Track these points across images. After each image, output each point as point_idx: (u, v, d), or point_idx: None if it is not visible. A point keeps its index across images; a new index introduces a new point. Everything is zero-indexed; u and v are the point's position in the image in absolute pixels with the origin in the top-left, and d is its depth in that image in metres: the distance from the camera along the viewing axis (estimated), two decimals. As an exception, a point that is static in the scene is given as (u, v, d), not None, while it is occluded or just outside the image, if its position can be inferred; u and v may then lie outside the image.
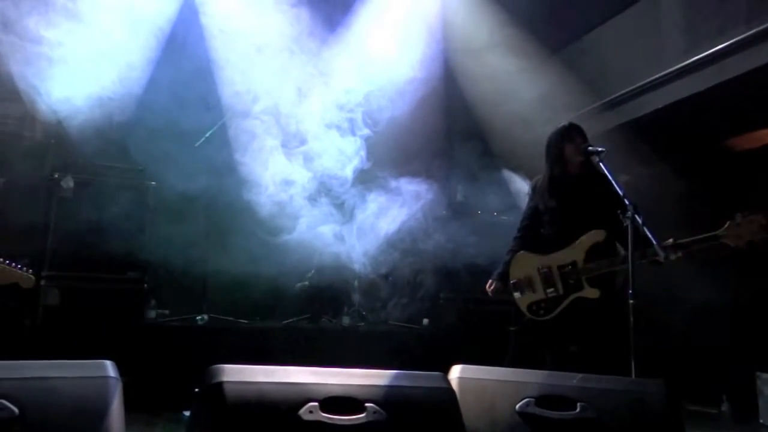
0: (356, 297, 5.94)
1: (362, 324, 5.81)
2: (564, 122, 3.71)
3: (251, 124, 5.53)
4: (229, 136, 5.78)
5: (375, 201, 5.67)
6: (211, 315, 5.31)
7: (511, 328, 5.69)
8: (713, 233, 3.14)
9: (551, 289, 3.54)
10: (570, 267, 3.49)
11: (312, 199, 5.63)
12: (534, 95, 6.40)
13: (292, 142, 5.65)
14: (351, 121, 5.71)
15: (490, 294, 3.86)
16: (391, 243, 5.70)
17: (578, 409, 2.05)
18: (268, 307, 5.83)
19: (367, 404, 1.82)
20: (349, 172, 5.62)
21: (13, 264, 3.52)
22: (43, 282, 4.85)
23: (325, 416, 1.76)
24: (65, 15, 4.83)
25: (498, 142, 6.98)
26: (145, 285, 5.16)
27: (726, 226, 3.12)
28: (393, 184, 5.73)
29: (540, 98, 6.36)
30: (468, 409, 1.98)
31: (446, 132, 7.28)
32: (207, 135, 5.62)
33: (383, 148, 5.87)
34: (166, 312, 5.46)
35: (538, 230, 3.76)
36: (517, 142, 6.64)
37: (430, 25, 6.60)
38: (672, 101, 5.68)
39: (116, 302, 5.01)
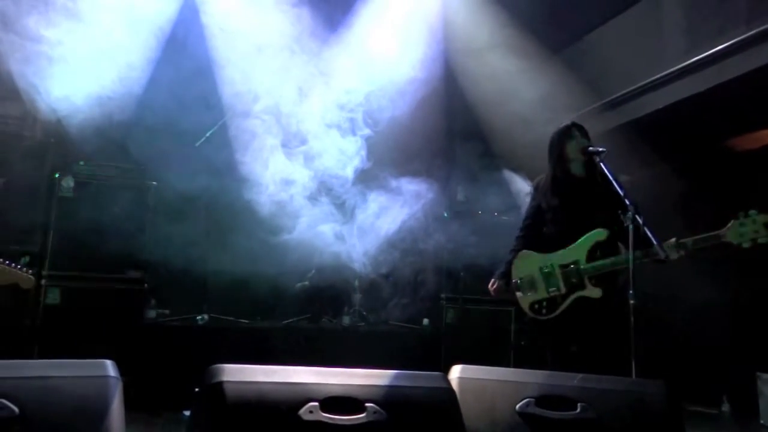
0: (356, 297, 5.94)
1: (362, 324, 5.81)
2: (566, 121, 3.72)
3: (252, 123, 5.53)
4: (229, 136, 5.78)
5: (375, 201, 5.68)
6: (212, 315, 5.31)
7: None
8: (716, 232, 3.14)
9: (553, 288, 3.54)
10: (572, 266, 3.49)
11: (312, 199, 5.63)
12: (534, 95, 6.40)
13: (293, 141, 5.64)
14: (351, 120, 5.71)
15: (492, 293, 3.86)
16: (392, 243, 5.70)
17: (578, 410, 2.05)
18: (268, 307, 5.83)
19: (367, 404, 1.82)
20: (349, 172, 5.62)
21: (13, 264, 3.51)
22: (43, 282, 4.86)
23: (326, 416, 1.76)
24: (65, 14, 4.83)
25: (498, 142, 6.99)
26: (146, 285, 5.17)
27: (729, 225, 3.12)
28: (393, 183, 5.73)
29: (540, 98, 6.36)
30: (468, 409, 1.98)
31: (447, 132, 7.28)
32: (207, 135, 5.62)
33: (384, 148, 5.87)
34: (167, 312, 5.46)
35: (541, 229, 3.76)
36: (518, 142, 6.64)
37: (430, 26, 6.60)
38: (672, 101, 5.68)
39: (116, 302, 5.02)
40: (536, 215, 3.79)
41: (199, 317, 5.26)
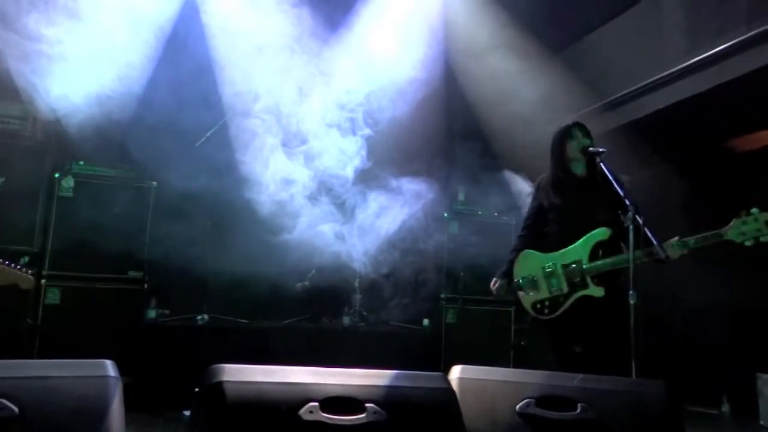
0: (357, 297, 5.94)
1: (362, 324, 5.80)
2: (568, 121, 3.72)
3: (252, 123, 5.53)
4: (229, 135, 5.78)
5: (376, 200, 5.68)
6: (212, 315, 5.31)
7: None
8: (718, 230, 3.15)
9: (555, 288, 3.54)
10: (574, 265, 3.49)
11: (313, 199, 5.63)
12: (535, 96, 6.40)
13: (293, 141, 5.64)
14: (352, 120, 5.71)
15: (494, 292, 3.86)
16: (392, 243, 5.71)
17: (579, 410, 2.05)
18: (268, 307, 5.83)
19: (367, 404, 1.82)
20: (349, 172, 5.62)
21: (13, 264, 3.51)
22: (43, 281, 4.86)
23: (325, 416, 1.76)
24: (66, 13, 4.83)
25: (499, 142, 6.99)
26: (146, 284, 5.17)
27: (731, 223, 3.13)
28: (394, 183, 5.73)
29: (541, 99, 6.36)
30: (468, 409, 1.98)
31: (447, 132, 7.28)
32: (208, 134, 5.62)
33: (384, 148, 5.87)
34: (167, 312, 5.46)
35: (542, 229, 3.77)
36: (518, 142, 6.63)
37: (431, 26, 6.60)
38: (673, 102, 5.68)
39: (116, 302, 5.03)
40: (538, 215, 3.80)
41: (199, 317, 5.26)
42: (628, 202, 3.18)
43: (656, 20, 5.97)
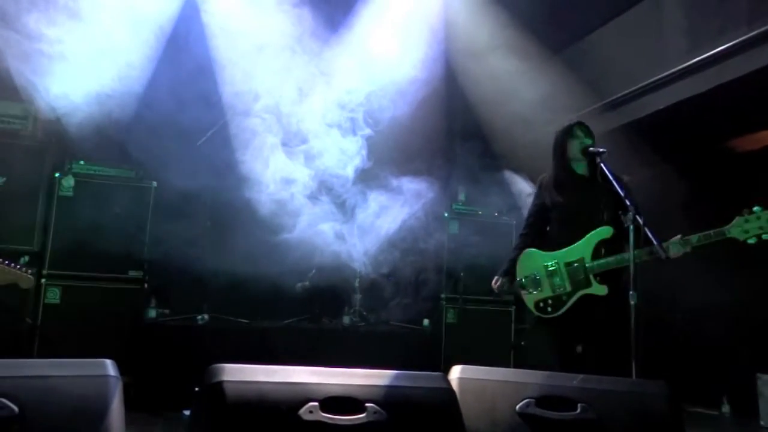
0: (357, 297, 5.94)
1: (363, 324, 5.80)
2: (570, 120, 3.73)
3: (252, 122, 5.52)
4: (230, 135, 5.78)
5: (376, 200, 5.68)
6: (212, 314, 5.31)
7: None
8: (721, 228, 3.16)
9: (559, 286, 3.54)
10: (577, 264, 3.50)
11: (313, 198, 5.63)
12: (535, 96, 6.40)
13: (294, 140, 5.64)
14: (352, 120, 5.71)
15: (495, 290, 3.87)
16: (392, 242, 5.70)
17: (579, 410, 2.05)
18: (268, 307, 5.82)
19: (367, 404, 1.82)
20: (350, 171, 5.62)
21: (13, 264, 3.51)
22: (43, 281, 4.87)
23: (326, 416, 1.76)
24: (66, 13, 4.83)
25: (499, 142, 6.99)
26: (146, 284, 5.18)
27: (734, 221, 3.13)
28: (394, 183, 5.73)
29: (541, 99, 6.36)
30: (468, 409, 1.98)
31: (447, 132, 7.28)
32: (209, 134, 5.62)
33: (384, 148, 5.87)
34: (167, 311, 5.46)
35: (544, 228, 3.77)
36: (518, 142, 6.64)
37: (431, 26, 6.59)
38: (673, 102, 5.68)
39: (116, 301, 5.04)
40: (540, 213, 3.80)
41: (199, 317, 5.26)
42: (628, 202, 3.19)
43: (657, 20, 5.97)
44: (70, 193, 5.06)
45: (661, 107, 5.82)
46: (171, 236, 5.14)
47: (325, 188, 5.72)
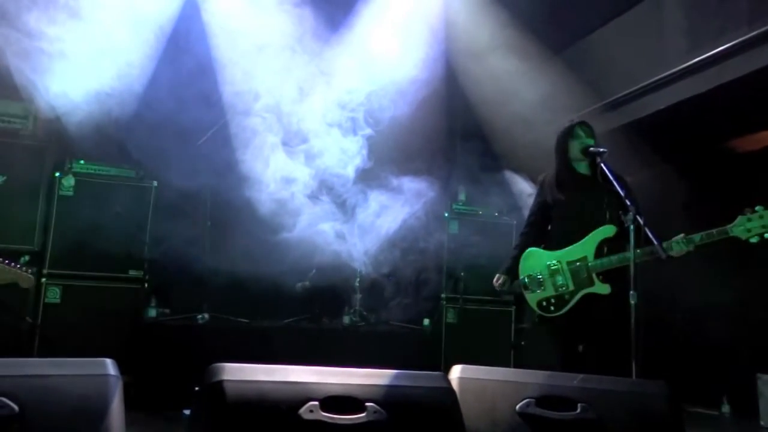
0: (357, 296, 5.93)
1: (362, 324, 5.80)
2: (572, 120, 3.74)
3: (253, 121, 5.52)
4: (230, 134, 5.77)
5: (376, 200, 5.67)
6: (212, 314, 5.31)
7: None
8: (723, 227, 3.16)
9: (561, 285, 3.54)
10: (580, 262, 3.50)
11: (313, 197, 5.63)
12: (535, 96, 6.40)
13: (294, 140, 5.64)
14: (353, 120, 5.71)
15: (497, 288, 3.87)
16: (393, 242, 5.70)
17: (579, 410, 2.05)
18: (268, 306, 5.83)
19: (367, 404, 1.82)
20: (350, 171, 5.62)
21: (13, 263, 3.52)
22: (44, 280, 4.87)
23: (326, 415, 1.76)
24: (67, 12, 4.82)
25: (499, 142, 6.99)
26: (146, 284, 5.18)
27: (737, 220, 3.14)
28: (394, 182, 5.73)
29: (541, 99, 6.35)
30: (468, 409, 1.98)
31: (447, 132, 7.28)
32: (209, 133, 5.62)
33: (385, 148, 5.87)
34: (167, 311, 5.46)
35: (546, 226, 3.78)
36: (519, 142, 6.64)
37: (431, 26, 6.59)
38: (674, 102, 5.68)
39: (117, 301, 5.04)
40: (541, 211, 3.80)
41: (199, 316, 5.26)
42: (628, 202, 3.19)
43: (657, 20, 5.97)
44: (71, 193, 5.06)
45: (662, 107, 5.82)
46: (171, 236, 5.14)
47: (325, 188, 5.72)
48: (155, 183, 5.31)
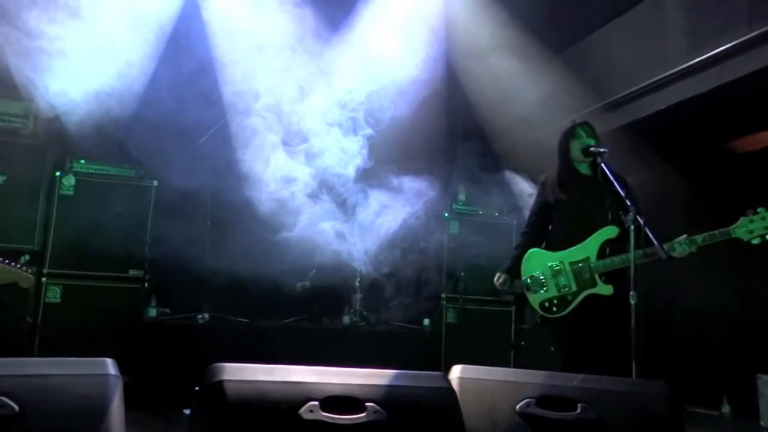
0: (357, 296, 5.93)
1: (362, 324, 5.80)
2: (575, 120, 3.74)
3: (253, 121, 5.52)
4: (230, 134, 5.77)
5: (377, 199, 5.67)
6: (212, 313, 5.31)
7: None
8: (726, 228, 3.17)
9: (564, 286, 3.54)
10: (582, 263, 3.50)
11: (314, 197, 5.63)
12: (536, 96, 6.40)
13: (294, 139, 5.64)
14: (353, 120, 5.71)
15: (498, 287, 3.86)
16: (393, 242, 5.70)
17: (579, 410, 2.05)
18: (268, 306, 5.82)
19: (367, 404, 1.82)
20: (351, 171, 5.62)
21: (13, 263, 3.52)
22: (44, 280, 4.87)
23: (326, 415, 1.76)
24: (67, 11, 4.82)
25: (500, 142, 6.99)
26: (146, 283, 5.18)
27: (739, 221, 3.15)
28: (395, 182, 5.73)
29: (542, 99, 6.36)
30: (468, 409, 1.98)
31: (448, 132, 7.27)
32: (209, 133, 5.62)
33: (385, 148, 5.87)
34: (167, 310, 5.46)
35: (546, 226, 3.78)
36: (519, 142, 6.64)
37: (432, 26, 6.59)
38: (674, 102, 5.68)
39: (117, 300, 5.04)
40: (542, 211, 3.80)
41: (199, 316, 5.26)
42: (628, 202, 3.19)
43: (657, 20, 5.97)
44: (71, 192, 5.06)
45: (662, 107, 5.82)
46: (171, 235, 5.14)
47: (325, 187, 5.72)
48: (155, 182, 5.31)
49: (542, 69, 6.58)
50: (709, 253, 3.29)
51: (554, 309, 3.57)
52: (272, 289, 5.48)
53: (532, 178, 6.16)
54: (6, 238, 4.82)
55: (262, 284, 5.33)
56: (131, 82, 5.37)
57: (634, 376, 2.94)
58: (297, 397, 1.76)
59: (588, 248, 3.50)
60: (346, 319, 5.78)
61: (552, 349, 3.60)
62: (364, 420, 1.79)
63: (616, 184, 3.30)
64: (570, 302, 3.52)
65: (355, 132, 5.68)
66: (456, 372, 2.12)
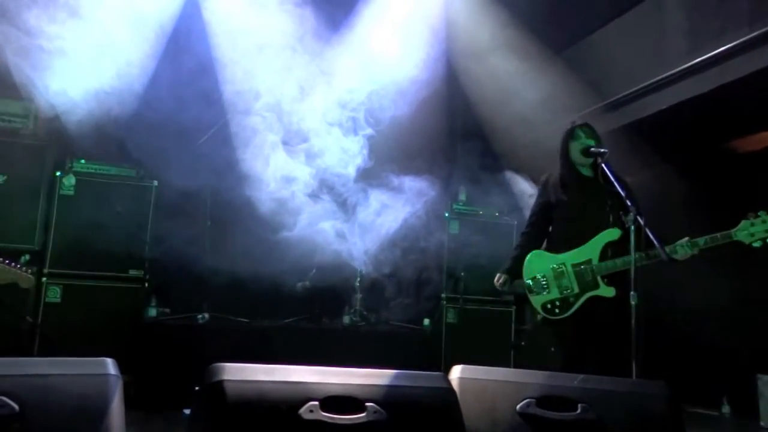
0: (357, 296, 5.93)
1: (363, 324, 5.80)
2: (575, 122, 3.74)
3: (253, 120, 5.52)
4: (230, 133, 5.77)
5: (377, 199, 5.67)
6: (212, 313, 5.31)
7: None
8: (727, 231, 3.17)
9: (566, 288, 3.54)
10: (585, 265, 3.50)
11: (314, 196, 5.63)
12: (536, 96, 6.40)
13: (294, 139, 5.64)
14: (353, 119, 5.71)
15: (498, 287, 3.86)
16: (393, 242, 5.70)
17: (579, 410, 2.05)
18: (268, 306, 5.82)
19: (367, 404, 1.82)
20: (351, 170, 5.62)
21: (13, 263, 3.52)
22: (44, 280, 4.87)
23: (326, 415, 1.76)
24: (67, 10, 4.82)
25: (500, 142, 6.99)
26: (146, 283, 5.18)
27: (741, 224, 3.15)
28: (395, 182, 5.73)
29: (542, 99, 6.35)
30: (468, 409, 1.98)
31: (448, 132, 7.28)
32: (210, 133, 5.62)
33: (385, 148, 5.87)
34: (167, 310, 5.46)
35: (547, 227, 3.78)
36: (519, 142, 6.64)
37: (432, 26, 6.59)
38: (674, 103, 5.68)
39: (117, 300, 5.04)
40: (543, 211, 3.80)
41: (199, 316, 5.26)
42: (629, 203, 3.19)
43: (658, 21, 5.96)
44: (71, 192, 5.06)
45: (662, 108, 5.82)
46: (171, 235, 5.14)
47: (326, 187, 5.72)
48: (155, 182, 5.32)
49: (542, 69, 6.57)
50: (709, 254, 3.30)
51: (556, 311, 3.56)
52: (272, 288, 5.48)
53: (533, 178, 6.16)
54: (6, 238, 4.82)
55: (262, 284, 5.33)
56: (131, 82, 5.37)
57: (634, 377, 2.94)
58: (297, 397, 1.76)
59: (590, 250, 3.50)
60: (346, 319, 5.78)
61: (552, 349, 3.59)
62: (364, 420, 1.79)
63: (616, 184, 3.30)
64: (572, 304, 3.52)
65: (355, 132, 5.68)
66: (456, 372, 2.12)
